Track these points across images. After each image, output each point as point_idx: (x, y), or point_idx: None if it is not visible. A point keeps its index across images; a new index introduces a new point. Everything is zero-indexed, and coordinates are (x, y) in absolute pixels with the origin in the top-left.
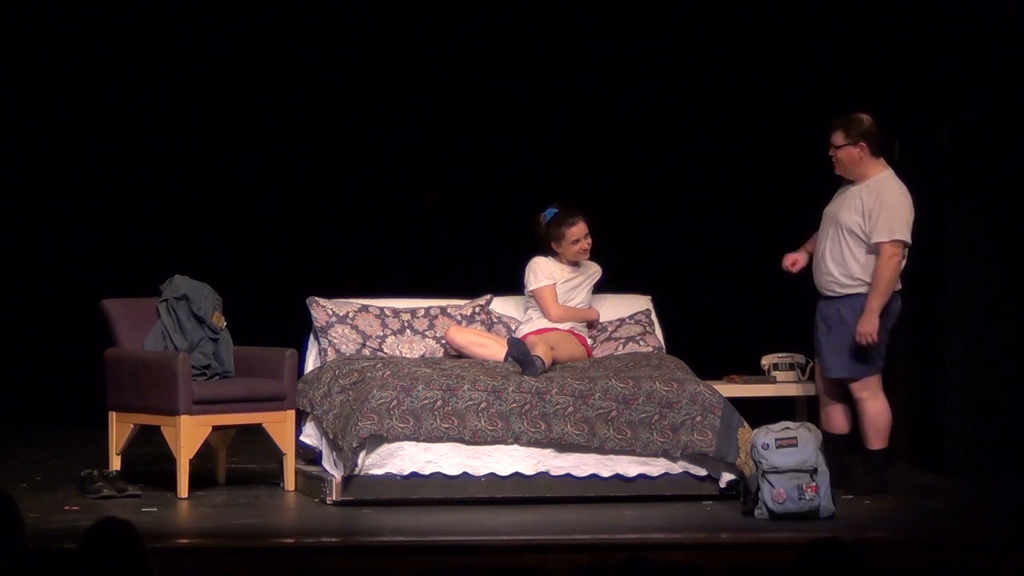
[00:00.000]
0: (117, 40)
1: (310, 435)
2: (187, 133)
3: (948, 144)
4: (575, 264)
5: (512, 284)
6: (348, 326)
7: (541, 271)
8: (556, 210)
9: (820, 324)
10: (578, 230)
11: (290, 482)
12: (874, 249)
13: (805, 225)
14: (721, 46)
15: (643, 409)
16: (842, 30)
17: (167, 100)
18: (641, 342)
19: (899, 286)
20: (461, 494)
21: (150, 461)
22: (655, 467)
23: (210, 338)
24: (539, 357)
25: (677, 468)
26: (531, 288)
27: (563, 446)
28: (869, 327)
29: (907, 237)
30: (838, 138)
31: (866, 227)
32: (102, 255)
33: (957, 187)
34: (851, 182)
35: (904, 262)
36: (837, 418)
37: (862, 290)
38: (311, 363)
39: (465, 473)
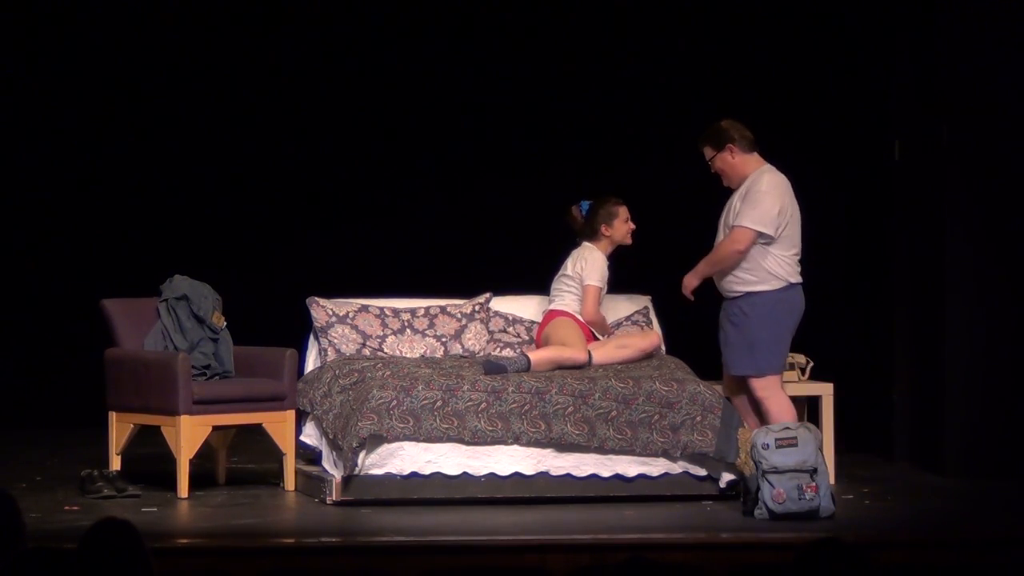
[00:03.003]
0: (118, 41)
1: (310, 435)
2: (187, 133)
3: (948, 144)
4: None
5: (512, 283)
6: (348, 326)
7: (600, 271)
8: (589, 202)
9: (724, 324)
10: (626, 211)
11: (290, 482)
12: (761, 241)
13: (804, 225)
14: (721, 47)
15: (643, 409)
16: (842, 30)
17: (168, 100)
18: None
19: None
20: (461, 494)
21: (150, 461)
22: (655, 467)
23: (210, 338)
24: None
25: (677, 468)
26: (588, 281)
27: (563, 446)
28: (689, 280)
29: (763, 228)
30: (708, 152)
31: None
32: (102, 255)
33: (957, 187)
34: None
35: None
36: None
37: (763, 287)
38: (311, 363)
39: (465, 473)
